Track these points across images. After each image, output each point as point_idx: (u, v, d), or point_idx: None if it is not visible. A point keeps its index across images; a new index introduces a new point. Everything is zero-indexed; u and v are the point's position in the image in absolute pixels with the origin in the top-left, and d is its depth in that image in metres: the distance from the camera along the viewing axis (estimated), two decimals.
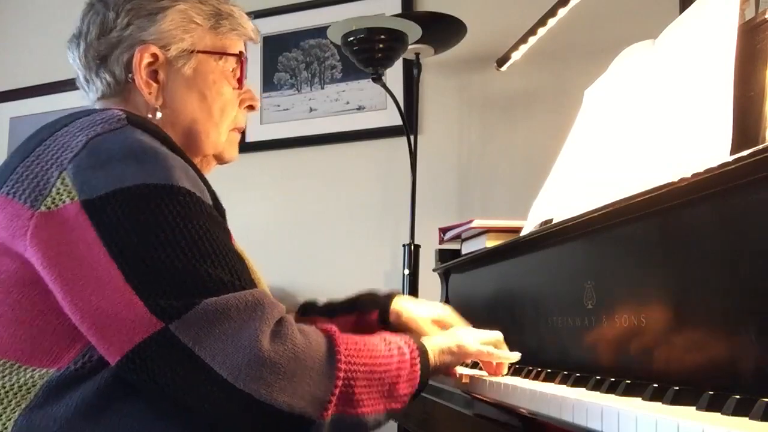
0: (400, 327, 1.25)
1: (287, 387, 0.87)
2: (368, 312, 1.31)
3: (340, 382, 0.91)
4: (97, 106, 1.11)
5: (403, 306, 1.30)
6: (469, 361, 1.17)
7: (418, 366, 1.01)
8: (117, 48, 1.09)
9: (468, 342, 1.10)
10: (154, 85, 1.09)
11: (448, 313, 1.30)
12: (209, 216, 0.93)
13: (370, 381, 0.95)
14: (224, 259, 0.90)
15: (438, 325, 1.25)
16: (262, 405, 0.86)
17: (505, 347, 1.16)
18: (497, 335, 1.16)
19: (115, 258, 0.86)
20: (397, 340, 1.02)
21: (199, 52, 1.12)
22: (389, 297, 1.33)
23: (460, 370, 1.16)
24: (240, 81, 1.17)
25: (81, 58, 1.12)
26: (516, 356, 1.13)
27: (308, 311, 1.38)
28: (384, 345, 0.99)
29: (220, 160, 1.19)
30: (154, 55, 1.08)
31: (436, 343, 1.08)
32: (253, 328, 0.87)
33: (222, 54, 1.15)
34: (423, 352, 1.03)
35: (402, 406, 0.99)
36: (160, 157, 0.92)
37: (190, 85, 1.11)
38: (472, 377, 1.14)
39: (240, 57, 1.18)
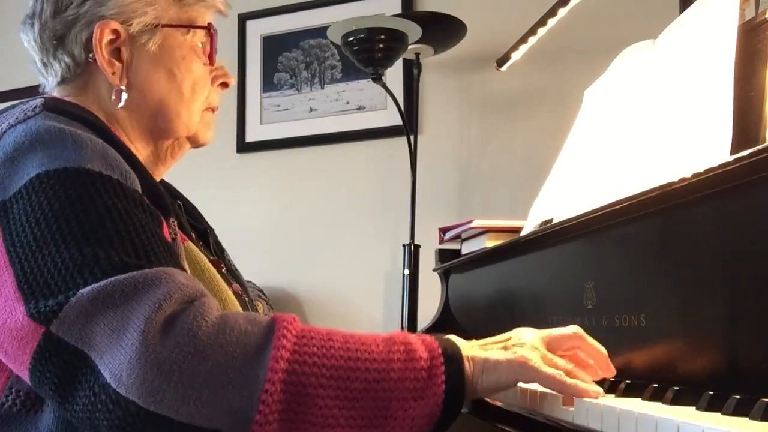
0: None
1: (185, 392, 0.68)
2: None
3: (275, 387, 0.68)
4: (55, 94, 1.03)
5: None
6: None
7: (443, 378, 0.74)
8: (74, 26, 0.99)
9: (535, 360, 0.78)
10: (117, 64, 0.99)
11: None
12: (124, 196, 0.80)
13: (345, 392, 0.71)
14: (129, 239, 0.76)
15: None
16: (154, 417, 0.68)
17: (588, 342, 0.86)
18: (572, 334, 0.85)
19: (12, 263, 0.76)
20: (411, 338, 0.77)
21: (164, 26, 1.02)
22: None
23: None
24: (211, 56, 1.07)
25: (36, 40, 1.02)
26: (597, 391, 0.78)
27: None
28: (382, 345, 0.75)
29: (194, 142, 1.10)
30: (116, 32, 0.99)
31: (479, 351, 0.79)
32: (140, 316, 0.70)
33: (189, 27, 1.04)
34: (453, 358, 0.75)
35: None
36: (69, 138, 0.82)
37: (157, 63, 1.01)
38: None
39: (209, 29, 1.07)
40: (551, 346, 0.84)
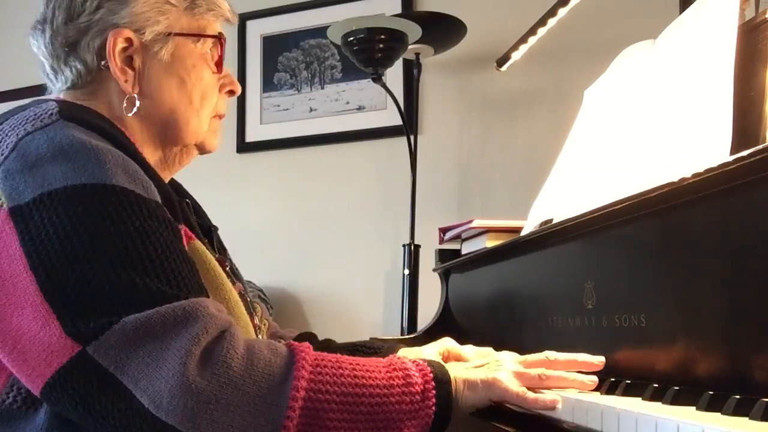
0: None
1: (220, 418, 0.75)
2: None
3: (294, 413, 0.78)
4: (63, 97, 1.03)
5: (405, 352, 1.15)
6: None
7: (433, 400, 0.85)
8: (87, 33, 1.00)
9: (505, 380, 0.89)
10: (130, 72, 1.01)
11: (451, 342, 1.17)
12: (149, 215, 0.84)
13: (353, 415, 0.81)
14: (160, 264, 0.81)
15: (450, 359, 1.12)
16: None
17: (559, 361, 0.94)
18: (541, 362, 0.94)
19: (35, 272, 0.78)
20: (408, 365, 0.87)
21: (176, 34, 1.03)
22: (391, 350, 1.18)
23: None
24: (219, 64, 1.09)
25: (47, 46, 1.03)
26: (554, 400, 0.85)
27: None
28: (384, 371, 0.86)
29: (201, 149, 1.12)
30: (129, 40, 1.00)
31: (466, 373, 0.90)
32: (180, 348, 0.76)
33: (200, 36, 1.06)
34: (443, 381, 0.87)
35: None
36: (92, 152, 0.84)
37: (169, 71, 1.03)
38: None
39: (219, 38, 1.09)
40: (523, 368, 0.93)
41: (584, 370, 0.93)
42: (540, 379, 0.90)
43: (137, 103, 1.01)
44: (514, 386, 0.88)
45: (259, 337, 1.10)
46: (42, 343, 0.77)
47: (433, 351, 1.13)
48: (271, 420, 0.77)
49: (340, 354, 1.01)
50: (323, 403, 0.80)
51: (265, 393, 0.78)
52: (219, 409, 0.76)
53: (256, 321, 1.11)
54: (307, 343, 0.85)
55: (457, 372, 0.89)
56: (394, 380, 0.84)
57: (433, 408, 0.84)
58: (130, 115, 1.02)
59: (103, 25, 1.00)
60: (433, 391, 0.85)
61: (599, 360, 0.94)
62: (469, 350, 1.14)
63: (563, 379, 0.90)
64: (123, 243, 0.80)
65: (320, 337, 1.32)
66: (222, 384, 0.76)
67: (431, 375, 0.86)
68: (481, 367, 0.94)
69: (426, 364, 0.88)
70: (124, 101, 1.01)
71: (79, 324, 0.77)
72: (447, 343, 1.15)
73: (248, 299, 1.13)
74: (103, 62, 1.01)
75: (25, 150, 0.84)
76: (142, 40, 1.01)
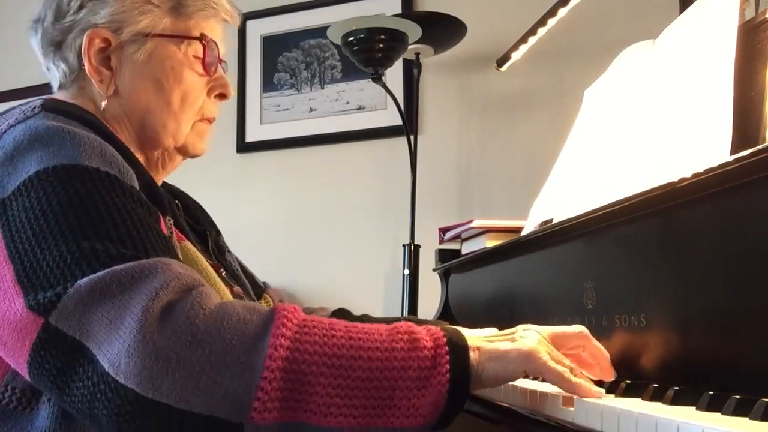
0: None
1: (182, 379, 0.68)
2: None
3: (273, 374, 0.69)
4: (56, 96, 1.04)
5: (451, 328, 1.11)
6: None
7: (447, 366, 0.73)
8: (70, 33, 1.01)
9: (543, 354, 0.77)
10: (106, 72, 1.00)
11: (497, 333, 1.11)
12: (122, 192, 0.82)
13: (346, 380, 0.71)
14: (127, 232, 0.77)
15: None
16: (152, 404, 0.68)
17: (592, 342, 0.86)
18: (578, 333, 0.85)
19: (11, 257, 0.77)
20: (415, 328, 0.76)
21: (155, 35, 1.02)
22: (437, 325, 1.15)
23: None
24: (204, 66, 1.05)
25: (38, 45, 1.05)
26: (599, 391, 0.78)
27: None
28: (386, 333, 0.75)
29: (184, 153, 1.09)
30: (106, 40, 1.00)
31: (485, 342, 0.78)
32: (137, 305, 0.71)
33: (183, 38, 1.04)
34: (459, 346, 0.75)
35: (419, 425, 0.72)
36: (67, 135, 0.83)
37: (144, 72, 1.02)
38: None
39: (201, 40, 1.05)
40: (556, 342, 0.83)
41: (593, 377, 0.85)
42: (571, 370, 0.79)
43: (105, 103, 1.01)
44: (553, 363, 0.77)
45: None
46: (11, 323, 0.75)
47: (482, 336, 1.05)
48: (243, 382, 0.69)
49: None
50: (310, 365, 0.70)
51: (237, 351, 0.70)
52: (181, 369, 0.68)
53: None
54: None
55: (478, 341, 0.78)
56: (396, 342, 0.73)
57: (447, 375, 0.72)
58: (107, 114, 1.01)
59: (84, 25, 1.01)
60: (447, 356, 0.73)
61: (613, 373, 0.86)
62: None
63: (580, 386, 0.78)
64: (88, 216, 0.78)
65: None
66: (184, 341, 0.69)
67: (444, 339, 0.75)
68: (504, 337, 0.82)
69: (439, 327, 0.78)
70: (104, 101, 1.01)
71: (40, 296, 0.74)
72: (494, 333, 1.10)
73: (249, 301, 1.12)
74: (83, 62, 1.01)
75: (4, 142, 0.85)
76: (119, 39, 1.01)
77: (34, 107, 0.90)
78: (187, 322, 0.70)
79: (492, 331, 1.07)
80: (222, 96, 1.11)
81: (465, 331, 0.80)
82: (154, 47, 1.02)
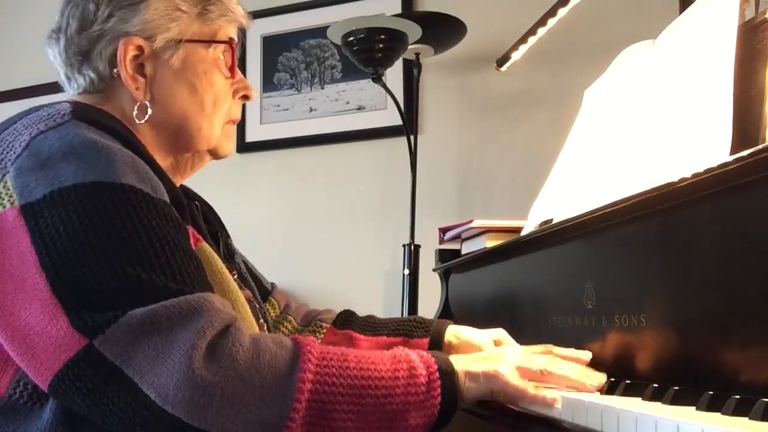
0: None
1: (226, 410, 0.77)
2: (416, 338, 1.21)
3: (301, 405, 0.79)
4: (82, 100, 1.04)
5: (457, 330, 1.20)
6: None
7: (439, 391, 0.85)
8: (99, 42, 1.02)
9: (507, 372, 0.89)
10: (141, 79, 1.02)
11: (505, 334, 1.19)
12: (157, 213, 0.85)
13: (359, 407, 0.82)
14: (166, 261, 0.82)
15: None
16: (196, 431, 0.77)
17: (557, 355, 0.96)
18: (543, 358, 0.94)
19: (45, 267, 0.79)
20: (412, 357, 0.88)
21: (186, 41, 1.04)
22: (442, 325, 1.22)
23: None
24: (232, 69, 1.09)
25: (61, 55, 1.05)
26: (554, 398, 0.85)
27: (346, 324, 1.30)
28: (389, 363, 0.86)
29: (215, 155, 1.13)
30: (139, 48, 1.01)
31: (469, 365, 0.90)
32: (186, 342, 0.77)
33: (211, 42, 1.06)
34: (448, 373, 0.87)
35: None
36: (103, 151, 0.85)
37: (179, 78, 1.04)
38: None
39: (230, 44, 1.09)
40: (527, 363, 0.93)
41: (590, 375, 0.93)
42: (541, 374, 0.91)
43: (149, 110, 1.02)
44: (515, 379, 0.89)
45: None
46: (50, 338, 0.78)
47: (485, 336, 1.17)
48: (277, 412, 0.78)
49: (385, 328, 1.12)
50: (330, 395, 0.81)
51: (272, 385, 0.79)
52: (225, 401, 0.77)
53: (262, 322, 1.11)
54: (312, 338, 0.86)
55: (460, 364, 0.90)
56: (398, 372, 0.85)
57: (439, 399, 0.85)
58: (141, 122, 1.03)
59: (114, 33, 1.02)
60: (438, 382, 0.85)
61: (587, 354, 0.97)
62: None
63: (566, 377, 0.91)
64: (130, 239, 0.81)
65: None
66: (228, 377, 0.78)
67: (435, 367, 0.87)
68: (485, 358, 0.94)
69: (430, 356, 0.89)
70: (135, 108, 1.02)
71: (86, 317, 0.78)
72: (501, 334, 1.19)
73: (258, 306, 1.13)
74: (114, 70, 1.02)
75: (37, 148, 0.85)
76: (153, 47, 1.02)
77: (63, 114, 0.89)
78: (230, 359, 0.78)
79: (500, 332, 1.20)
80: (245, 97, 1.14)
81: (452, 357, 0.91)
82: (187, 53, 1.04)
